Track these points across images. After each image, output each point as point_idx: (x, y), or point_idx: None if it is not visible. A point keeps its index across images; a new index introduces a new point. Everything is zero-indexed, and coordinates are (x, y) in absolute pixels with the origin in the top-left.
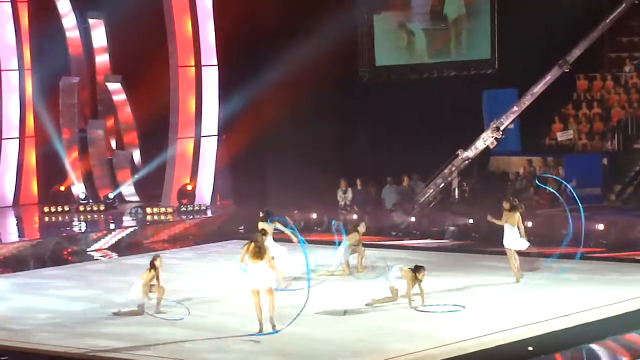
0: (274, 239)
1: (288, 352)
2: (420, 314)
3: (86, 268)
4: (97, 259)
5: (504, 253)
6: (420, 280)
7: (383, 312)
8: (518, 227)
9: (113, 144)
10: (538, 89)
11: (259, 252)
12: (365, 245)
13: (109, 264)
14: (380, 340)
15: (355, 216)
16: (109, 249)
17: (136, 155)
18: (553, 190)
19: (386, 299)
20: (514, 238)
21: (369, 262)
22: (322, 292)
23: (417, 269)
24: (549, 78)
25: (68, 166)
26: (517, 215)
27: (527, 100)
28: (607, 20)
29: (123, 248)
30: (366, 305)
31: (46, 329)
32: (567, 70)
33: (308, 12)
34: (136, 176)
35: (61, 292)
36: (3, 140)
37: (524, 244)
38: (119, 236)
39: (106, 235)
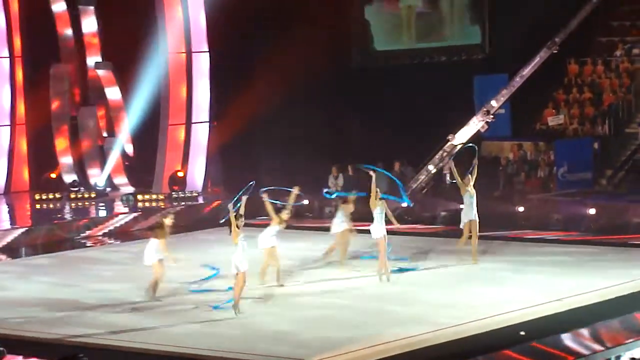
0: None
1: (278, 339)
2: (413, 299)
3: (78, 255)
4: (90, 246)
5: (495, 238)
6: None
7: (377, 298)
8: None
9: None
10: (527, 71)
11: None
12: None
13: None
14: (375, 326)
15: None
16: (105, 236)
17: (127, 142)
18: None
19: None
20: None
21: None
22: (314, 277)
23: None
24: (537, 60)
25: (59, 153)
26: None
27: (517, 83)
28: (594, 0)
29: (119, 235)
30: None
31: (37, 317)
32: (556, 52)
33: None
34: None
35: (52, 280)
36: None
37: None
38: (119, 223)
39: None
